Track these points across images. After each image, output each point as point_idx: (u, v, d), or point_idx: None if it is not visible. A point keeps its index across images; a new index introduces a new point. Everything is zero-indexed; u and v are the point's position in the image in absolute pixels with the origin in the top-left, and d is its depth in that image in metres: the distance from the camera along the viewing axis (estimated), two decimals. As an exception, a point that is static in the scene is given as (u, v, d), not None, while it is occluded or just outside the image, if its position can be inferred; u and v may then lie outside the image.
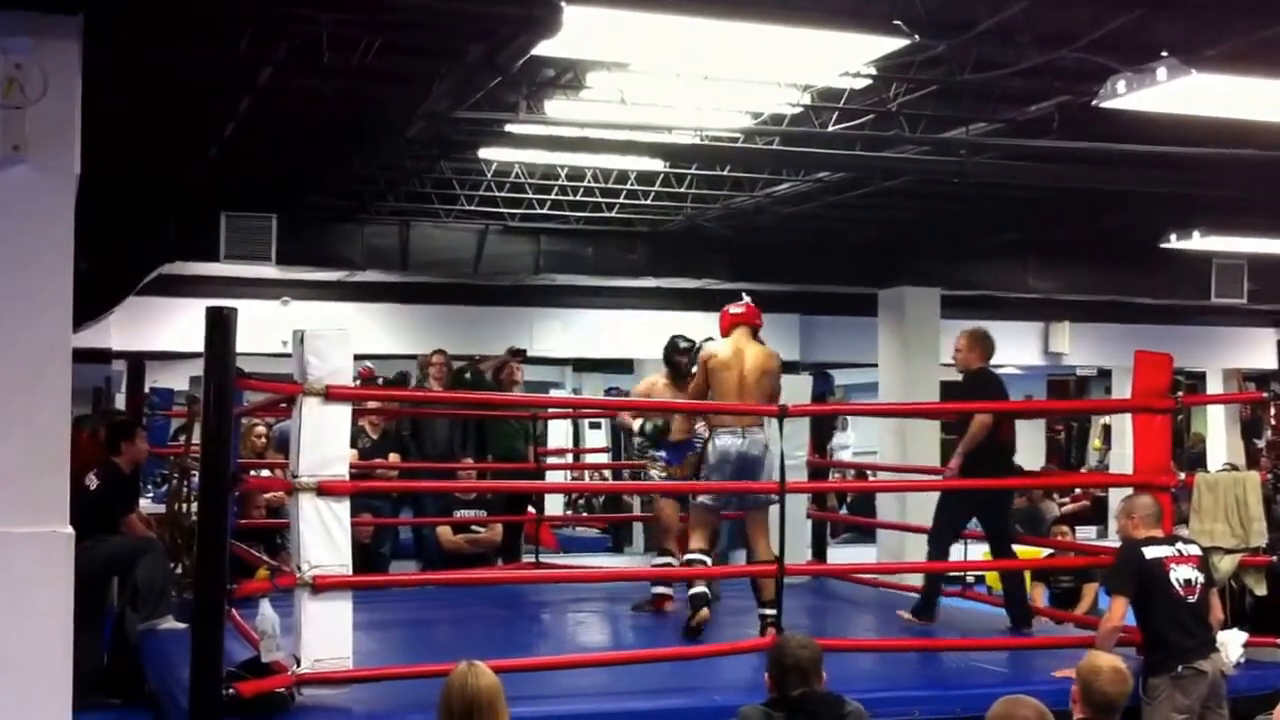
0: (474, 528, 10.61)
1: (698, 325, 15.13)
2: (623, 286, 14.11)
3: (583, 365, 19.17)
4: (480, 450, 11.67)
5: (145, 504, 11.03)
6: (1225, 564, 7.22)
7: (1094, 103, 7.01)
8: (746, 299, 8.02)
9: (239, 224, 10.93)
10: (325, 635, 5.76)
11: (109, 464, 8.73)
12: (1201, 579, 6.49)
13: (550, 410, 13.91)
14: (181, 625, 7.55)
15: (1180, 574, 6.42)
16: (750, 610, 8.48)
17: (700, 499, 7.77)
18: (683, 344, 8.82)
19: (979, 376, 8.22)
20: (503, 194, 11.29)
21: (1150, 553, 6.44)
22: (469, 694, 4.18)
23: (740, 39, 6.33)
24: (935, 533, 8.35)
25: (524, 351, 12.29)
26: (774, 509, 7.50)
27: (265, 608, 5.81)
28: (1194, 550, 6.63)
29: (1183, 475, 7.74)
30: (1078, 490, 17.44)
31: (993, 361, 8.36)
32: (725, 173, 10.63)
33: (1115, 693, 4.65)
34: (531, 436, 11.73)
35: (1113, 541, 8.08)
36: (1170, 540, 6.62)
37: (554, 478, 13.33)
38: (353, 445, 8.47)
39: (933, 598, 8.35)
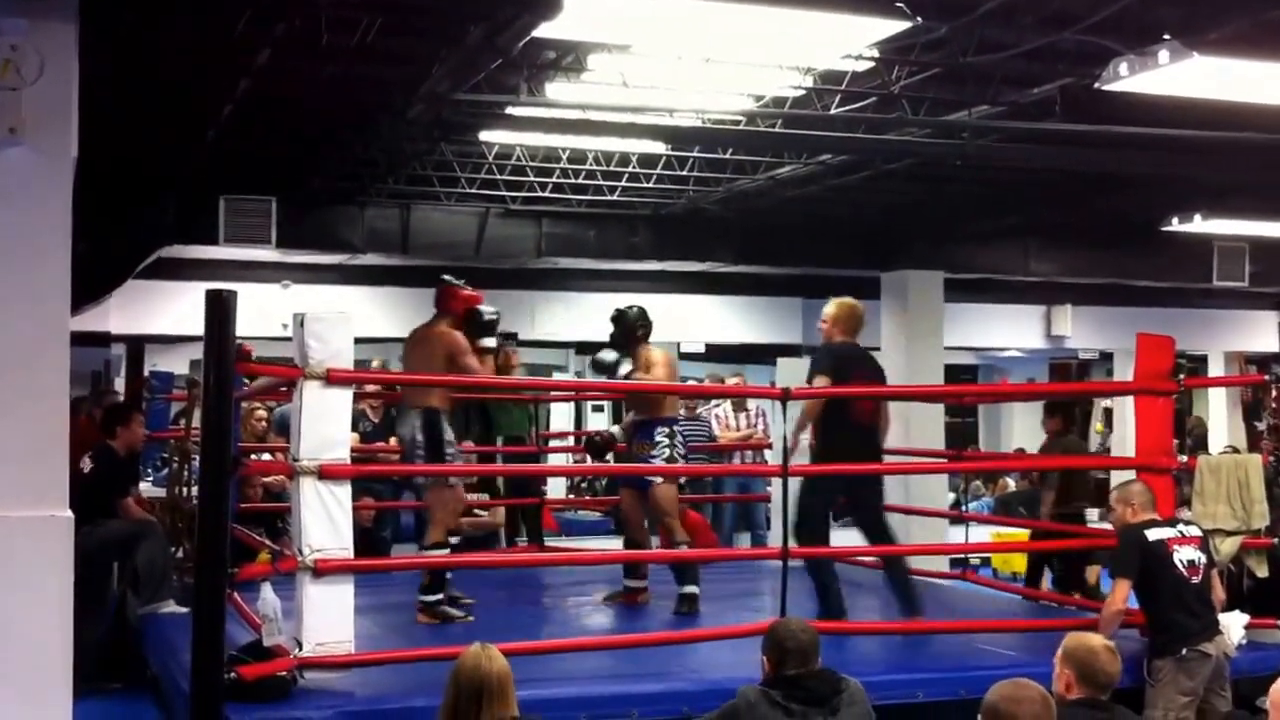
0: (476, 510, 10.60)
1: (700, 307, 15.28)
2: (625, 270, 14.11)
3: (585, 348, 19.15)
4: (486, 433, 11.62)
5: (145, 487, 11.02)
6: (1227, 546, 7.22)
7: (1096, 85, 7.00)
8: (449, 279, 7.74)
9: (238, 207, 10.91)
10: (327, 619, 5.75)
11: (104, 447, 8.69)
12: (1204, 559, 6.51)
13: (553, 394, 13.88)
14: (182, 609, 7.56)
15: (1183, 555, 6.44)
16: (749, 594, 8.51)
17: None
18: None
19: (824, 351, 7.72)
20: (504, 177, 11.28)
21: (1152, 535, 6.46)
22: (482, 675, 4.19)
23: (742, 21, 6.31)
24: (805, 528, 7.57)
25: (515, 335, 12.25)
26: (775, 492, 7.46)
27: (267, 591, 5.81)
28: (1195, 531, 6.65)
29: (1184, 458, 7.74)
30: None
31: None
32: (727, 155, 10.61)
33: (1116, 670, 4.68)
34: (535, 420, 11.72)
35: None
36: (1170, 523, 6.63)
37: (557, 460, 13.30)
38: (354, 429, 8.45)
39: (831, 593, 7.51)
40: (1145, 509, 6.62)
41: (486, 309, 7.76)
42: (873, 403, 7.71)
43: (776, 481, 8.91)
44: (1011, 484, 16.76)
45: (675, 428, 8.16)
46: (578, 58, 7.64)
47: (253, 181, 11.00)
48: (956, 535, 11.65)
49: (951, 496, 14.37)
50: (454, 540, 7.89)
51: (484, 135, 9.47)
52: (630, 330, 8.24)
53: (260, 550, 7.46)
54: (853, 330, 7.82)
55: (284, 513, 8.53)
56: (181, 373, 14.20)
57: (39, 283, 5.07)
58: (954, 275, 13.77)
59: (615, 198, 11.83)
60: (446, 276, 7.81)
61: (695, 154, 10.66)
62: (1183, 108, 7.53)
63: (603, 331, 15.11)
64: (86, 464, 8.43)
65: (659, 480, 7.94)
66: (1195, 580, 6.42)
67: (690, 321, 15.51)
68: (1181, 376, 7.64)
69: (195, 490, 7.46)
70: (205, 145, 9.77)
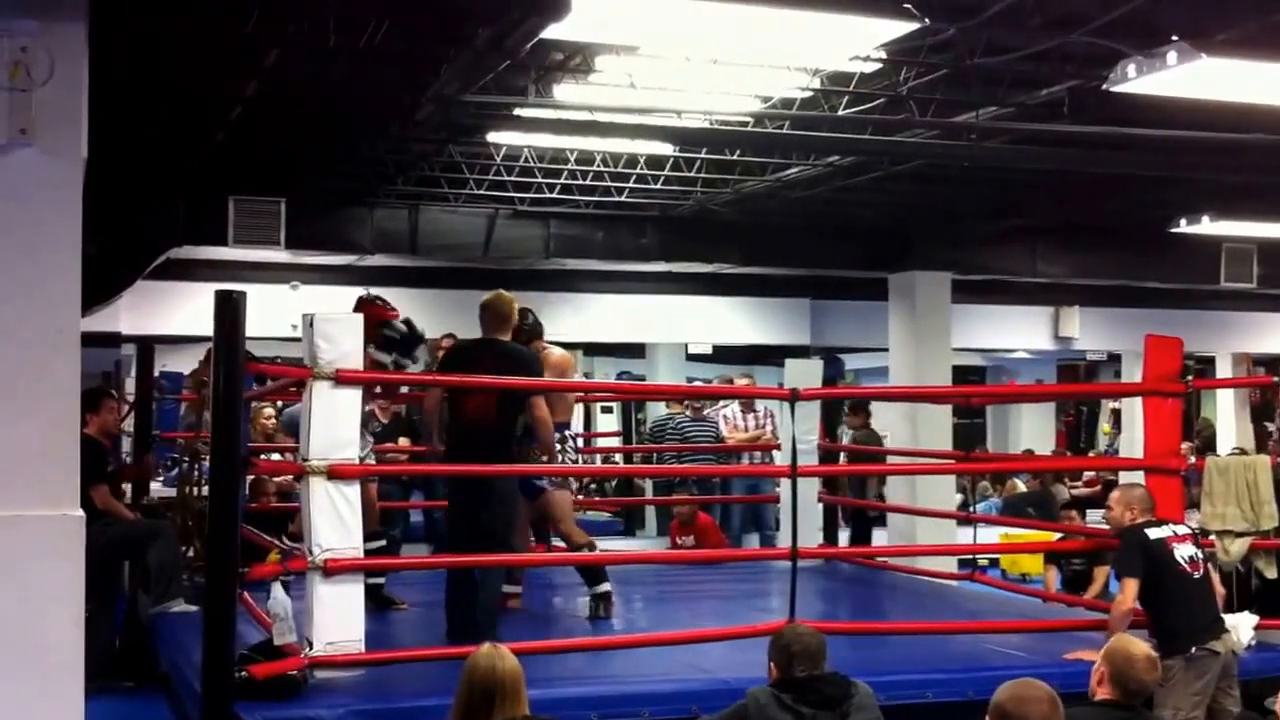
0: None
1: (708, 309, 15.28)
2: (633, 271, 14.10)
3: (594, 350, 19.17)
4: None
5: (156, 487, 11.05)
6: (1236, 547, 7.25)
7: (1104, 87, 7.01)
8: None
9: (247, 208, 10.93)
10: (337, 618, 5.77)
11: None
12: (1201, 555, 6.56)
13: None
14: (193, 608, 7.58)
15: (1183, 552, 6.50)
16: (758, 594, 8.51)
17: None
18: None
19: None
20: (512, 178, 11.28)
21: (1153, 534, 6.52)
22: (495, 675, 4.21)
23: (750, 22, 6.31)
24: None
25: None
26: (786, 493, 7.43)
27: (277, 591, 5.83)
28: (1185, 530, 6.73)
29: (1193, 459, 7.77)
30: (1089, 474, 17.46)
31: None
32: (735, 157, 10.61)
33: (1150, 680, 4.71)
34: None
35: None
36: (1161, 522, 6.68)
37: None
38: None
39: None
40: (1144, 514, 6.69)
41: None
42: (485, 399, 6.92)
43: (785, 482, 8.93)
44: (1020, 485, 16.76)
45: (566, 433, 7.92)
46: (585, 59, 7.65)
47: (261, 182, 11.02)
48: (964, 536, 11.65)
49: (959, 497, 14.37)
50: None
51: (492, 136, 9.48)
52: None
53: (270, 550, 7.49)
54: (496, 326, 7.17)
55: (294, 512, 8.55)
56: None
57: (50, 284, 5.07)
58: (962, 276, 13.77)
59: (623, 199, 11.83)
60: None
61: (703, 155, 10.66)
62: (1191, 109, 7.53)
63: (610, 332, 15.30)
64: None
65: (549, 486, 7.68)
66: (1197, 575, 6.49)
67: (698, 323, 15.51)
68: (1189, 378, 7.65)
69: (206, 490, 7.50)
70: (214, 146, 9.80)
